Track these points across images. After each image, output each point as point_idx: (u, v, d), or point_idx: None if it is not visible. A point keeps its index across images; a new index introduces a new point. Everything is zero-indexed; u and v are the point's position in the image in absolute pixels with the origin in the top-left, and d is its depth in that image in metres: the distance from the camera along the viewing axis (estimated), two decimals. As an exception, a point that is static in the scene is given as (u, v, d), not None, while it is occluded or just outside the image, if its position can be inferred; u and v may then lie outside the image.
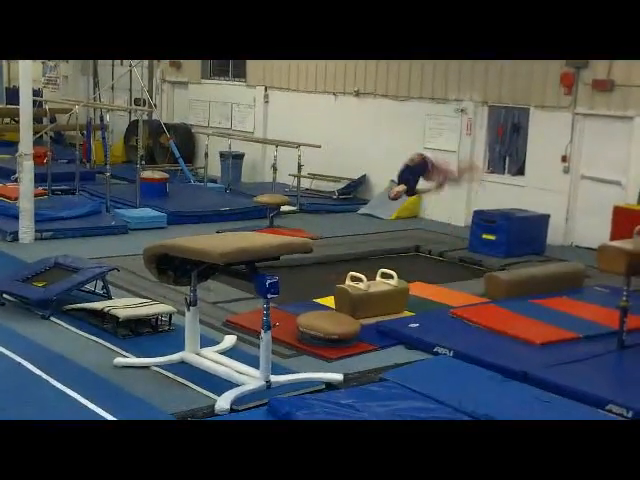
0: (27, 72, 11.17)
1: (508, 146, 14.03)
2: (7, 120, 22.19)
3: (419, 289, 9.49)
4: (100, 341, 7.51)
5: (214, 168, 17.25)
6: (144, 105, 18.47)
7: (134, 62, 18.35)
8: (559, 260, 11.37)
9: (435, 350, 7.55)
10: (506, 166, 14.05)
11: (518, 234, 11.83)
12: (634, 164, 12.03)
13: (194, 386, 6.54)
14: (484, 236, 11.93)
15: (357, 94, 15.90)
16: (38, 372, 6.57)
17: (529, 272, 10.13)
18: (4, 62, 24.76)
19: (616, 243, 7.89)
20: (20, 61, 11.23)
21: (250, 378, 6.43)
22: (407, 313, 8.64)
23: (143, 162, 14.72)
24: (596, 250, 7.93)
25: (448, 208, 14.35)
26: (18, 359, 6.82)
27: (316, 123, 16.30)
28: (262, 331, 6.27)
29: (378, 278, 8.77)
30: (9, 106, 21.52)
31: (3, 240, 11.23)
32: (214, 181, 16.96)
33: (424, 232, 13.36)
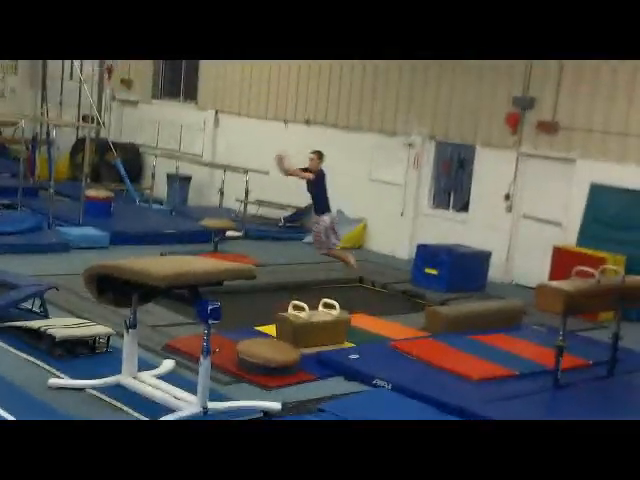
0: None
1: (454, 182, 14.24)
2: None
3: (361, 320, 9.52)
4: (35, 361, 7.36)
5: (160, 189, 17.15)
6: (92, 122, 18.30)
7: (84, 77, 18.18)
8: (499, 297, 11.52)
9: (374, 382, 7.56)
10: (451, 201, 14.26)
11: (460, 270, 11.96)
12: (574, 206, 12.26)
13: (129, 410, 6.45)
14: (427, 270, 12.04)
15: (307, 122, 16.00)
16: (-32, 390, 6.42)
17: (469, 308, 10.25)
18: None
19: (554, 283, 8.02)
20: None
21: (187, 404, 6.36)
22: (348, 344, 8.66)
23: (88, 180, 14.58)
24: (535, 289, 8.05)
25: (392, 240, 14.48)
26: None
27: (265, 149, 16.26)
28: (201, 357, 6.23)
29: (320, 308, 8.79)
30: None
31: (-61, 253, 10.99)
32: (160, 203, 16.86)
33: (368, 263, 13.43)
